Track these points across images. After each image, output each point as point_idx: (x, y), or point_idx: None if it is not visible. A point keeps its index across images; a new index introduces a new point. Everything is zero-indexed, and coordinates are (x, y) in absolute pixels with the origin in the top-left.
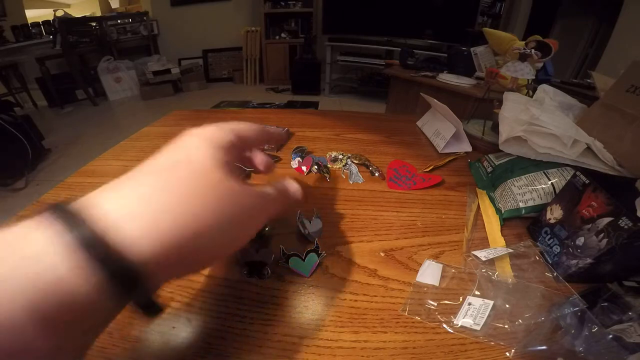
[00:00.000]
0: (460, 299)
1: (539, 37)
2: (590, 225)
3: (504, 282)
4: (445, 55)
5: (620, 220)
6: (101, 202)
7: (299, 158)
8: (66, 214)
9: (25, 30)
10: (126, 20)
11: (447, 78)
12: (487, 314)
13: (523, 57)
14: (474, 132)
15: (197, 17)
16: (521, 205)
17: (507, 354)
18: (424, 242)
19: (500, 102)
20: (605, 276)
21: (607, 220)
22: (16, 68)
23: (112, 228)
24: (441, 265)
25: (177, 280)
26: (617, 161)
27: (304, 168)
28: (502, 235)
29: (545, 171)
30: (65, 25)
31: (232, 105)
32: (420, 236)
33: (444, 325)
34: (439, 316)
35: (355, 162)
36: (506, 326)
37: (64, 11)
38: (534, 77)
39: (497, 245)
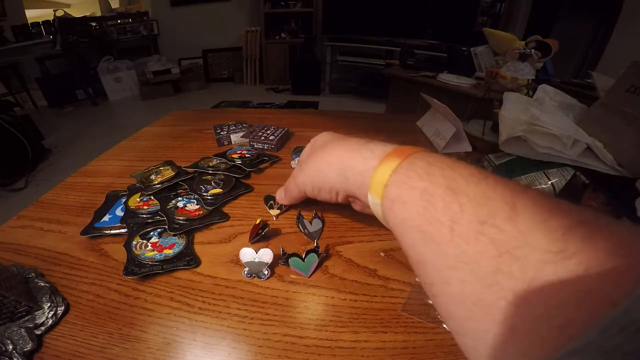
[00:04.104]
0: None
1: (539, 37)
2: None
3: None
4: (445, 55)
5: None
6: None
7: (298, 158)
8: None
9: (25, 30)
10: (126, 20)
11: (447, 78)
12: None
13: (523, 57)
14: (474, 132)
15: (197, 17)
16: None
17: None
18: None
19: (500, 102)
20: None
21: None
22: (16, 68)
23: None
24: None
25: (177, 280)
26: (617, 161)
27: None
28: None
29: (545, 171)
30: (65, 25)
31: (232, 105)
32: None
33: (444, 325)
34: (438, 316)
35: None
36: None
37: (64, 11)
38: (534, 77)
39: None
